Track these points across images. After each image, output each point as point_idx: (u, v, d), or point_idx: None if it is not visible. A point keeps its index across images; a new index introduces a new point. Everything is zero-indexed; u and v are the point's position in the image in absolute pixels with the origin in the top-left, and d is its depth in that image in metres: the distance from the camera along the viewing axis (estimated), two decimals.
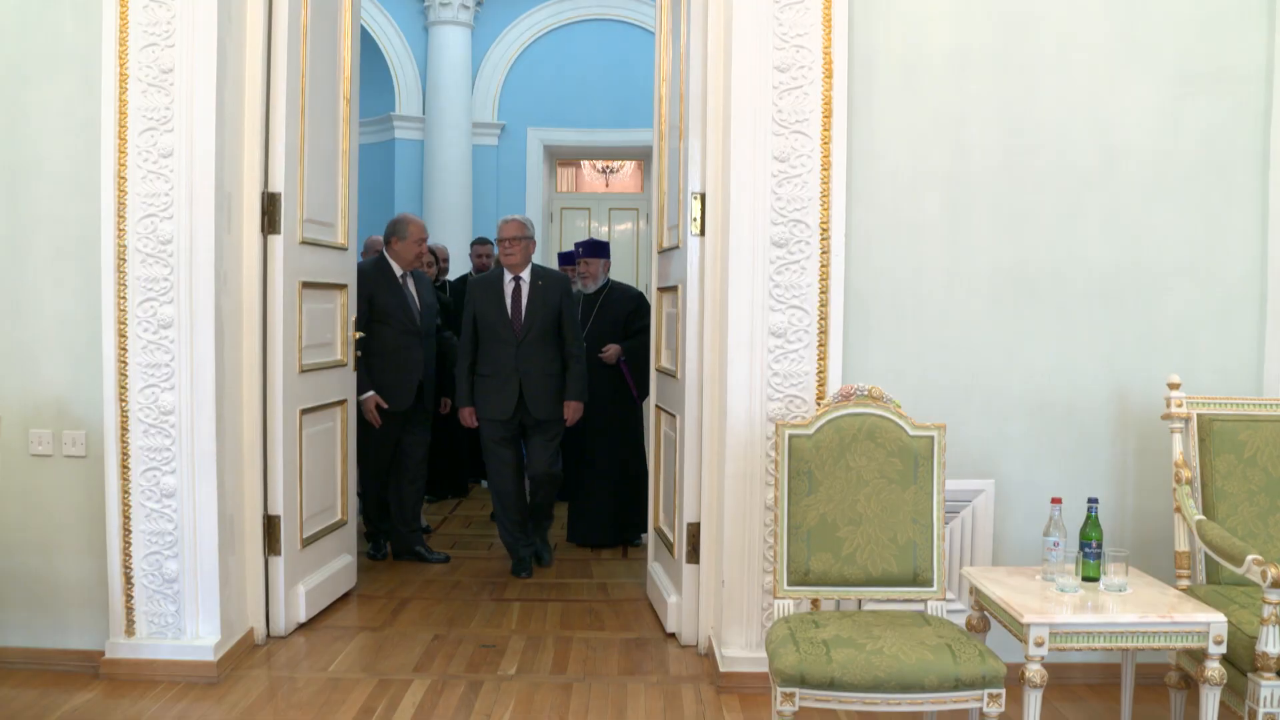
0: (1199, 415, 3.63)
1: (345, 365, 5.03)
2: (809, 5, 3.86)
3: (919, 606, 3.36)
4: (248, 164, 4.19)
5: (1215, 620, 2.94)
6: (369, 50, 8.99)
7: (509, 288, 5.54)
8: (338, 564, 4.97)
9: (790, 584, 3.31)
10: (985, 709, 2.88)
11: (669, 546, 4.66)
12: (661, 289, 4.95)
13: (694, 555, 4.27)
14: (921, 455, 3.34)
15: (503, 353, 5.49)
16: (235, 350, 4.17)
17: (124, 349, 3.94)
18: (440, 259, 7.16)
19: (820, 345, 3.91)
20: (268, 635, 4.41)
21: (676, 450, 4.48)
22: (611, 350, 6.08)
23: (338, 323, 4.96)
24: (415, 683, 3.99)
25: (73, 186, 4.00)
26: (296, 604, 4.52)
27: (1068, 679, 3.98)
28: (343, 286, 4.98)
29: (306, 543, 4.61)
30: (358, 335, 5.13)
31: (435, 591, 5.24)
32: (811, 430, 3.36)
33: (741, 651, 3.96)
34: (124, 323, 3.93)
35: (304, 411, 4.55)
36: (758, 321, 3.90)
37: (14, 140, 4.02)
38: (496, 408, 5.50)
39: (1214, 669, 2.95)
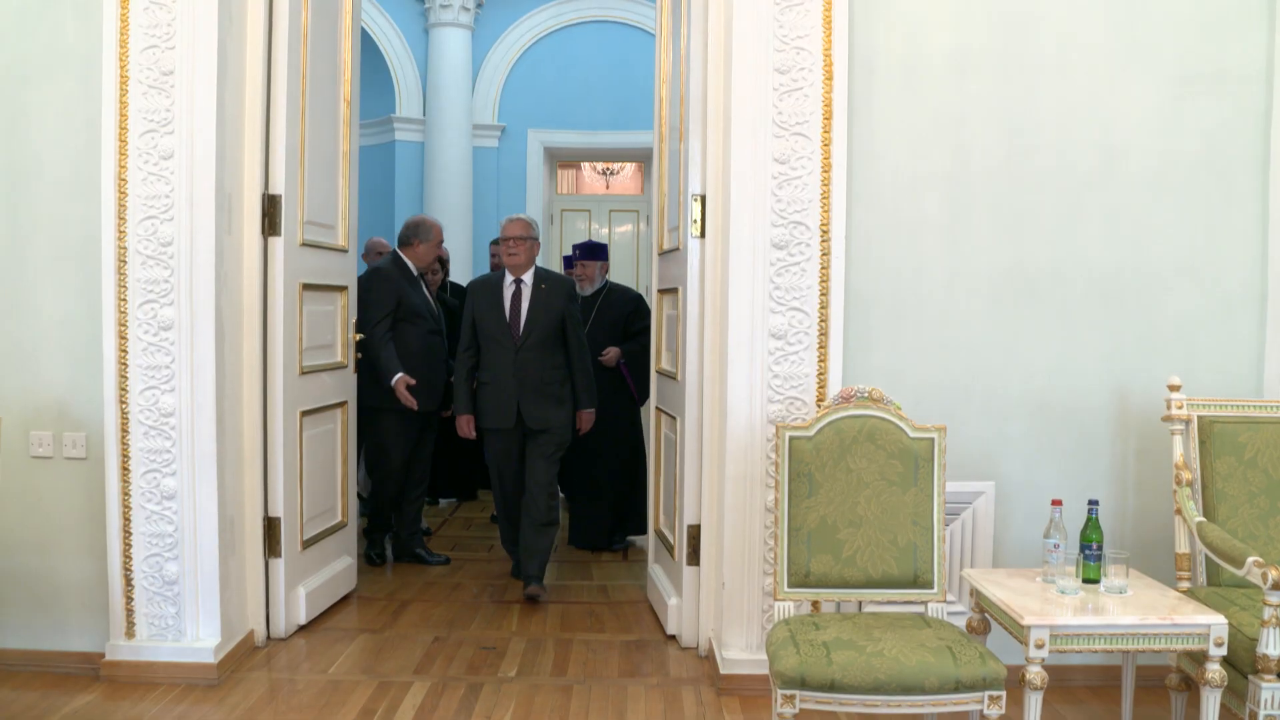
0: (1199, 417, 3.63)
1: (346, 367, 5.03)
2: (809, 7, 3.86)
3: (919, 608, 3.36)
4: (248, 166, 4.20)
5: (1216, 622, 2.93)
6: (369, 52, 8.99)
7: (509, 290, 5.27)
8: (338, 566, 4.97)
9: (791, 586, 3.31)
10: (986, 711, 2.88)
11: (669, 548, 4.66)
12: (662, 291, 4.96)
13: (694, 557, 4.27)
14: (922, 457, 3.34)
15: (501, 358, 5.21)
16: (236, 352, 4.17)
17: (124, 351, 3.94)
18: (443, 262, 7.13)
19: (820, 347, 3.91)
20: (268, 637, 4.41)
21: (677, 452, 4.48)
22: (611, 353, 6.06)
23: (338, 324, 4.96)
24: (415, 685, 3.99)
25: (73, 188, 4.01)
26: (297, 606, 4.52)
27: (1068, 681, 3.97)
28: (343, 288, 4.98)
29: (307, 545, 4.61)
30: (358, 337, 5.13)
31: (435, 594, 5.24)
32: (812, 432, 3.36)
33: (742, 654, 3.95)
34: (124, 324, 3.93)
35: (304, 413, 4.55)
36: (758, 323, 3.90)
37: (14, 142, 4.02)
38: (495, 416, 5.24)
39: (1215, 671, 2.95)
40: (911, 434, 3.36)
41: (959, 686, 2.84)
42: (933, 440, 3.36)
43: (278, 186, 4.28)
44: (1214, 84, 3.98)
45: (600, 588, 5.41)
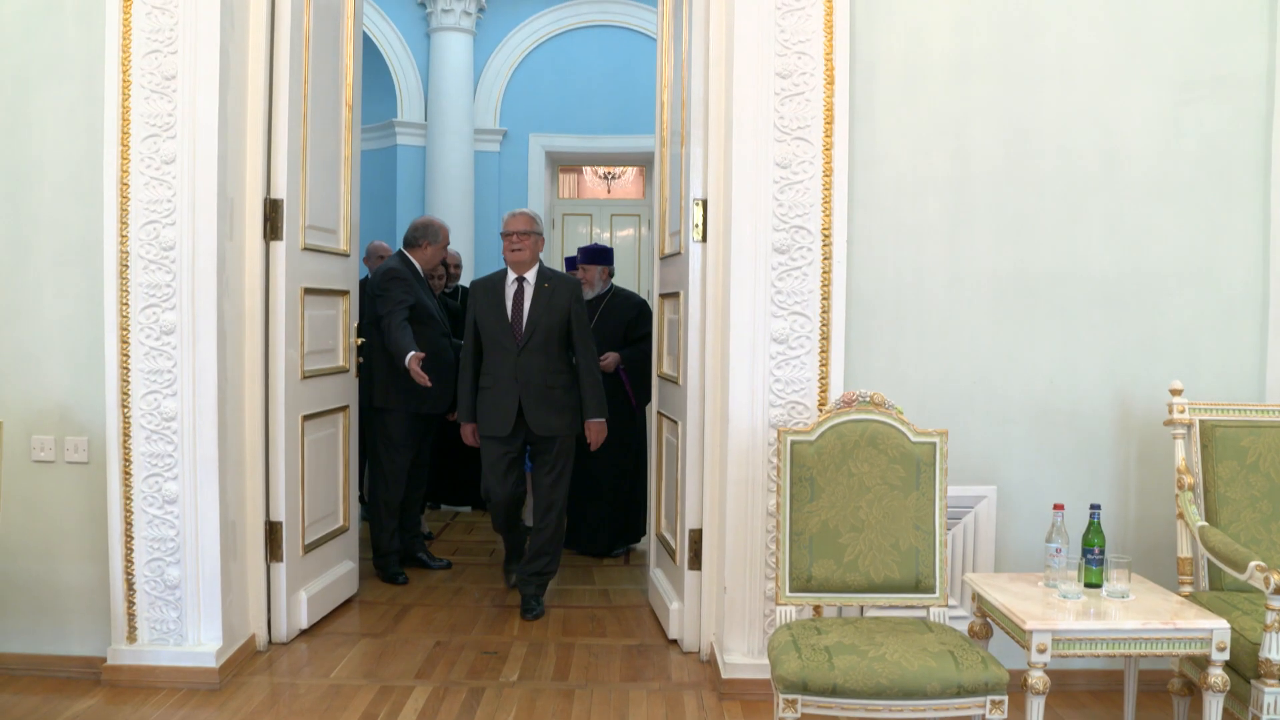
0: (1201, 421, 3.62)
1: (347, 371, 5.03)
2: (810, 12, 3.86)
3: (921, 613, 3.36)
4: (250, 170, 4.20)
5: (1218, 627, 2.93)
6: (371, 57, 8.99)
7: (510, 290, 5.00)
8: (339, 570, 4.96)
9: (792, 590, 3.31)
10: (988, 716, 2.88)
11: (671, 553, 4.66)
12: (663, 295, 4.96)
13: (696, 562, 4.27)
14: (924, 461, 3.34)
15: (502, 362, 4.94)
16: (237, 356, 4.17)
17: (126, 355, 3.94)
18: (452, 266, 7.08)
19: (822, 351, 3.91)
20: (269, 642, 4.41)
21: (678, 456, 4.48)
22: (610, 358, 5.97)
23: (340, 329, 4.96)
24: (417, 689, 3.99)
25: (75, 193, 4.01)
26: (298, 610, 4.52)
27: (1070, 686, 3.97)
28: (345, 293, 4.98)
29: (308, 549, 4.61)
30: (360, 341, 5.12)
31: (437, 598, 5.23)
32: (813, 436, 3.36)
33: (744, 658, 3.95)
34: (126, 329, 3.94)
35: (306, 418, 4.55)
36: (760, 327, 3.90)
37: (16, 146, 4.03)
38: (494, 423, 4.94)
39: (1217, 676, 2.94)
40: (913, 438, 3.36)
41: (961, 691, 2.84)
42: (934, 445, 3.36)
43: (279, 191, 4.28)
44: (1215, 88, 3.98)
45: (602, 592, 5.40)
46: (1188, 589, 3.48)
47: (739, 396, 3.92)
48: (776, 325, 3.90)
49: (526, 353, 4.92)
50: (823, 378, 3.91)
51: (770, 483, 3.89)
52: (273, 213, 4.28)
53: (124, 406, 3.95)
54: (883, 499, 3.33)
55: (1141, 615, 2.98)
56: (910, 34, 3.97)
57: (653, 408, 5.21)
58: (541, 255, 5.17)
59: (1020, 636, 2.97)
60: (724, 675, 3.93)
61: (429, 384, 5.19)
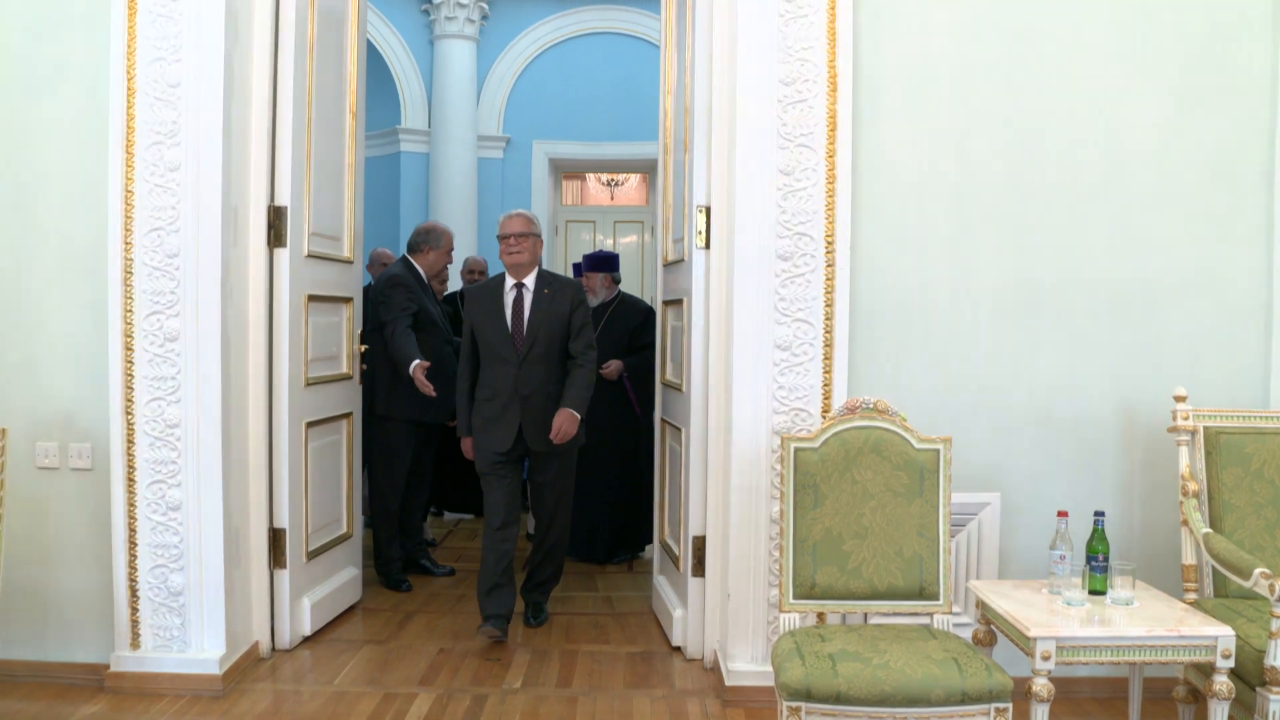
0: (1205, 428, 3.62)
1: (351, 378, 5.04)
2: (814, 19, 3.87)
3: (925, 620, 3.36)
4: (254, 178, 4.21)
5: (1223, 634, 2.93)
6: (375, 64, 9.00)
7: (509, 296, 4.70)
8: (343, 577, 4.96)
9: (796, 597, 3.31)
10: None
11: (674, 560, 4.66)
12: (666, 302, 4.96)
13: (699, 568, 4.27)
14: (927, 468, 3.34)
15: (502, 373, 4.64)
16: (241, 363, 4.17)
17: (130, 362, 3.94)
18: (476, 272, 7.08)
19: (825, 358, 3.91)
20: (273, 648, 4.41)
21: (682, 463, 4.48)
22: (613, 366, 5.93)
23: (343, 336, 4.96)
24: (420, 696, 3.98)
25: (80, 200, 4.02)
26: (302, 617, 4.51)
27: (1075, 693, 3.96)
28: (348, 300, 4.99)
29: (312, 556, 4.61)
30: (363, 348, 5.13)
31: (440, 605, 5.23)
32: (817, 443, 3.36)
33: (747, 665, 3.95)
34: (130, 336, 3.94)
35: (309, 424, 4.56)
36: (763, 334, 3.90)
37: (22, 154, 4.04)
38: (493, 438, 4.65)
39: (1222, 683, 2.94)
40: (917, 445, 3.36)
41: (965, 698, 2.84)
42: (938, 451, 3.35)
43: (283, 198, 4.29)
44: (1219, 96, 3.98)
45: (605, 599, 5.40)
46: (1192, 596, 3.47)
47: (742, 403, 3.92)
48: (780, 332, 3.90)
49: (528, 364, 4.63)
50: (826, 385, 3.91)
51: (774, 489, 3.88)
52: (276, 220, 4.28)
53: (128, 413, 3.95)
54: (886, 506, 3.33)
55: (1146, 622, 2.98)
56: (913, 41, 3.97)
57: (656, 414, 5.20)
58: (544, 258, 5.10)
59: (1024, 644, 2.96)
60: (728, 682, 3.93)
61: (434, 393, 5.12)
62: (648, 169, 10.30)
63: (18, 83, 4.03)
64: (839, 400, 3.87)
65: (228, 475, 4.03)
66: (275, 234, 4.29)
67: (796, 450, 3.35)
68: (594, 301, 6.16)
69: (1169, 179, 3.99)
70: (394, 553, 5.53)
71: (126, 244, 3.92)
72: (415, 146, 9.89)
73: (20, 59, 4.03)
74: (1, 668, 4.00)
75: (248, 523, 4.25)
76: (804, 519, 3.33)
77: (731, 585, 3.98)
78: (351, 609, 5.05)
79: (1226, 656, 2.92)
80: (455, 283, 7.41)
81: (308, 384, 4.53)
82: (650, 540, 5.32)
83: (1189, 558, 3.52)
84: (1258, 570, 2.99)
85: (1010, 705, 2.87)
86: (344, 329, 4.97)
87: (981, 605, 3.33)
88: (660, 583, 4.95)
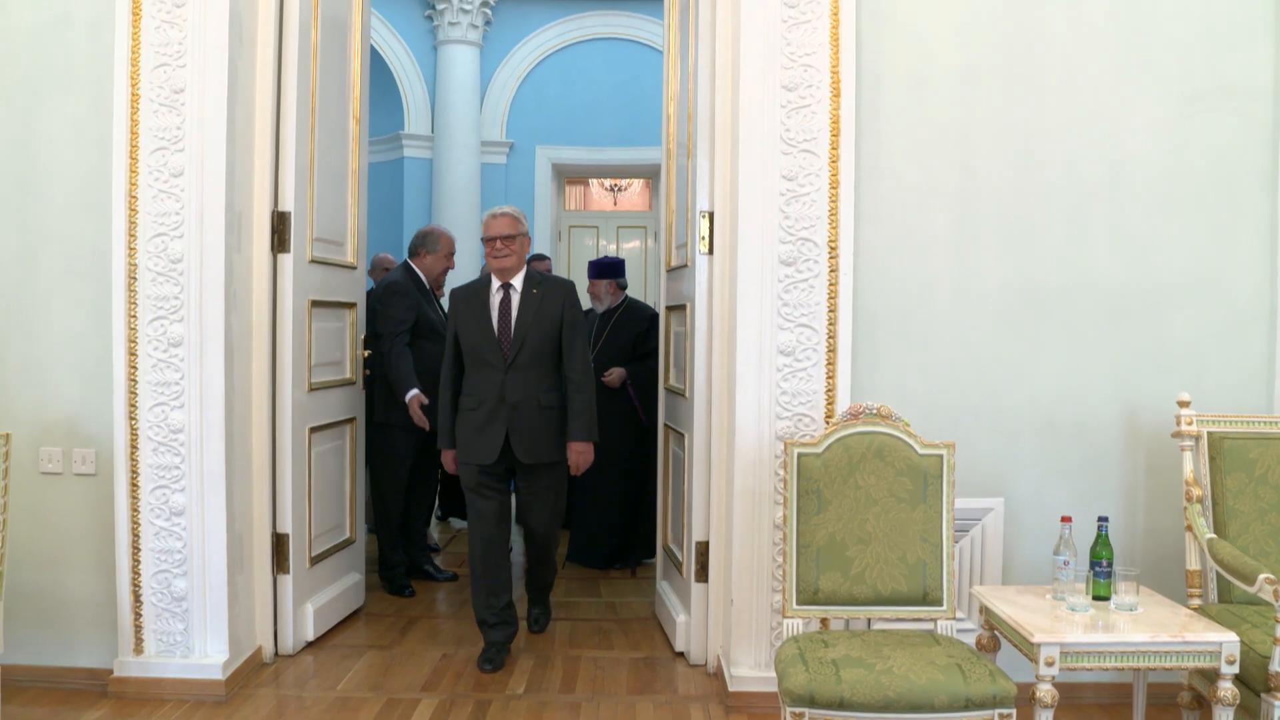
0: (1209, 433, 3.62)
1: (354, 383, 5.04)
2: (817, 25, 3.87)
3: (929, 626, 3.35)
4: (258, 183, 4.21)
5: (1227, 640, 2.92)
6: (378, 69, 9.02)
7: (495, 299, 4.41)
8: (346, 582, 4.96)
9: (799, 603, 3.30)
10: None
11: (677, 565, 4.65)
12: (669, 307, 4.96)
13: (703, 574, 4.26)
14: (931, 474, 3.34)
15: (488, 380, 4.35)
16: (245, 368, 4.18)
17: (134, 367, 3.95)
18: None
19: (829, 364, 3.91)
20: (276, 654, 4.41)
21: (685, 469, 4.48)
22: (615, 374, 5.89)
23: (347, 341, 4.97)
24: (423, 702, 3.98)
25: (84, 205, 4.03)
26: (305, 622, 4.51)
27: (1079, 699, 3.95)
28: (352, 305, 4.99)
29: (315, 561, 4.61)
30: (366, 354, 5.13)
31: (443, 610, 5.23)
32: (820, 449, 3.35)
33: (750, 671, 3.94)
34: (134, 341, 3.95)
35: (313, 430, 4.56)
36: (766, 340, 3.90)
37: (26, 159, 4.05)
38: (478, 449, 4.36)
39: (1226, 689, 2.93)
40: (920, 451, 3.36)
41: (969, 704, 2.83)
42: (941, 457, 3.35)
43: (287, 203, 4.30)
44: (1221, 99, 3.98)
45: (608, 604, 5.39)
46: (1196, 602, 3.46)
47: (745, 409, 3.92)
48: (783, 337, 3.90)
49: (515, 369, 4.34)
50: (829, 390, 3.91)
51: (777, 495, 3.88)
52: (280, 225, 4.29)
53: (131, 418, 3.96)
54: (890, 511, 3.32)
55: (1150, 628, 2.97)
56: (916, 45, 3.97)
57: (659, 420, 5.19)
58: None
59: (1028, 649, 2.96)
60: (731, 688, 3.93)
61: (428, 428, 5.10)
62: (651, 174, 10.32)
63: (23, 87, 4.05)
64: (842, 405, 3.87)
65: (231, 480, 4.03)
66: (279, 239, 4.29)
67: (800, 455, 3.35)
68: (600, 308, 6.15)
69: (1171, 182, 3.99)
70: (397, 558, 5.53)
71: (130, 249, 3.93)
72: (419, 152, 9.91)
73: (25, 63, 4.04)
74: (5, 673, 3.99)
75: (251, 528, 4.25)
76: (807, 524, 3.32)
77: (735, 591, 3.97)
78: (354, 614, 5.05)
79: (1231, 662, 2.91)
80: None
81: (311, 389, 4.53)
82: (654, 551, 5.29)
83: (1193, 563, 3.52)
84: (1262, 576, 2.99)
85: (1014, 711, 2.87)
86: (347, 334, 4.97)
87: (985, 611, 3.32)
88: (663, 588, 4.94)
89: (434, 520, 6.51)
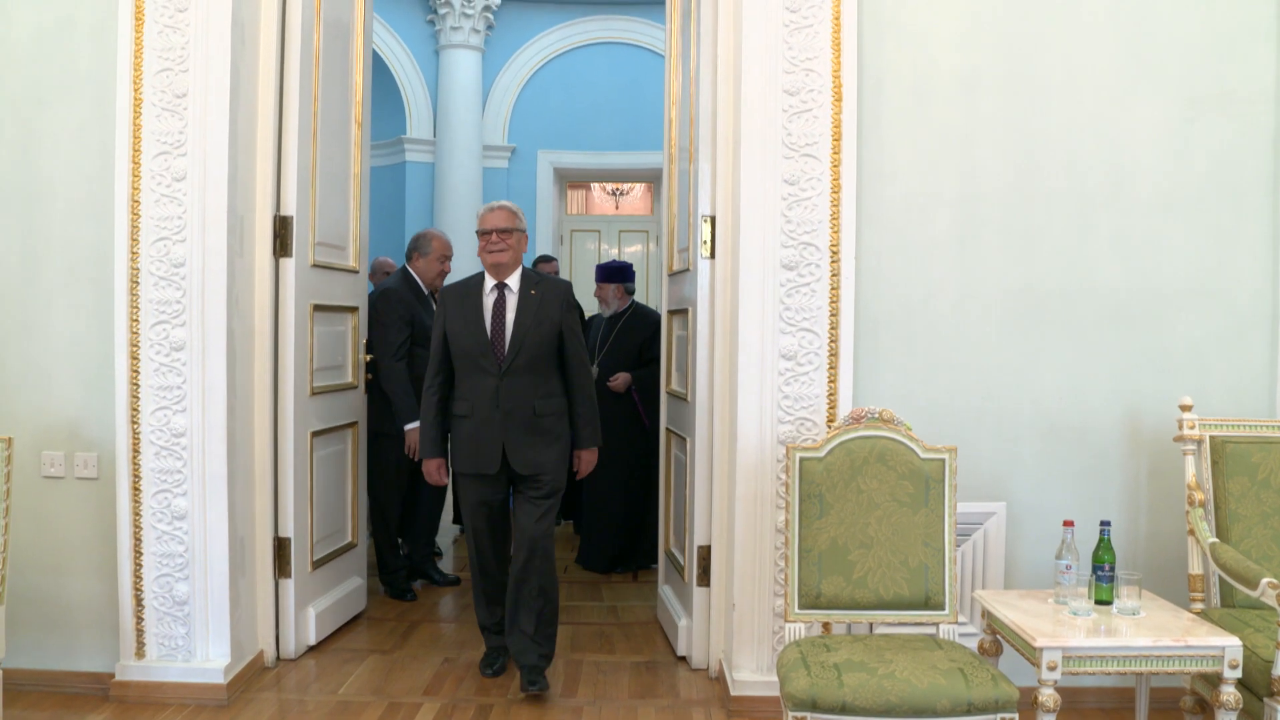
0: (1211, 437, 3.62)
1: (356, 388, 5.04)
2: (818, 29, 3.88)
3: (931, 630, 3.35)
4: (260, 187, 4.22)
5: (1230, 644, 2.92)
6: (380, 74, 9.03)
7: (489, 299, 4.17)
8: (348, 586, 4.96)
9: (801, 607, 3.30)
10: None
11: (679, 569, 4.65)
12: (672, 311, 4.96)
13: (704, 578, 4.26)
14: (933, 478, 3.33)
15: (481, 386, 4.10)
16: (246, 373, 4.18)
17: (136, 371, 3.95)
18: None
19: (831, 368, 3.91)
20: (278, 658, 4.40)
21: (687, 473, 4.48)
22: (620, 378, 5.89)
23: (349, 345, 4.97)
24: (425, 706, 3.98)
25: (86, 209, 4.03)
26: (306, 626, 4.51)
27: (1081, 703, 3.94)
28: (354, 309, 5.00)
29: (317, 565, 4.61)
30: (368, 358, 5.13)
31: (445, 614, 5.23)
32: (822, 453, 3.36)
33: (753, 675, 3.94)
34: (136, 345, 3.95)
35: (315, 434, 4.56)
36: (768, 344, 3.90)
37: (28, 163, 4.06)
38: (473, 459, 4.13)
39: (1229, 693, 2.93)
40: (922, 455, 3.36)
41: (971, 709, 2.83)
42: (944, 461, 3.35)
43: (289, 208, 4.30)
44: (1222, 104, 3.98)
45: (610, 608, 5.39)
46: (1199, 606, 3.46)
47: (747, 413, 3.92)
48: (785, 342, 3.90)
49: (510, 375, 4.10)
50: (831, 394, 3.91)
51: (779, 499, 3.88)
52: (282, 229, 4.29)
53: (134, 423, 3.96)
54: (892, 516, 3.32)
55: (1152, 632, 2.97)
56: (918, 51, 3.97)
57: (661, 424, 5.18)
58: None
59: (1030, 654, 2.96)
60: (733, 692, 3.92)
61: (418, 458, 4.92)
62: (652, 178, 10.32)
63: (26, 92, 4.05)
64: (844, 409, 3.87)
65: (233, 484, 4.04)
66: (281, 243, 4.29)
67: (802, 460, 3.35)
68: (607, 312, 6.15)
69: (1173, 186, 3.99)
70: (397, 562, 5.52)
71: (133, 253, 3.94)
72: (420, 156, 9.92)
73: (28, 68, 4.05)
74: (7, 676, 3.98)
75: (253, 532, 4.25)
76: (809, 529, 3.32)
77: (736, 595, 3.97)
78: (356, 618, 5.05)
79: (1234, 667, 2.91)
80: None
81: (313, 393, 4.53)
82: (655, 558, 5.28)
83: (1195, 567, 3.51)
84: (1265, 580, 2.99)
85: (1016, 716, 2.86)
86: (349, 338, 4.98)
87: (987, 615, 3.32)
88: (665, 592, 4.94)
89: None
